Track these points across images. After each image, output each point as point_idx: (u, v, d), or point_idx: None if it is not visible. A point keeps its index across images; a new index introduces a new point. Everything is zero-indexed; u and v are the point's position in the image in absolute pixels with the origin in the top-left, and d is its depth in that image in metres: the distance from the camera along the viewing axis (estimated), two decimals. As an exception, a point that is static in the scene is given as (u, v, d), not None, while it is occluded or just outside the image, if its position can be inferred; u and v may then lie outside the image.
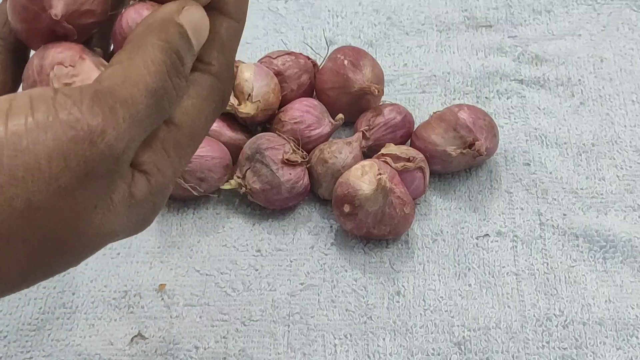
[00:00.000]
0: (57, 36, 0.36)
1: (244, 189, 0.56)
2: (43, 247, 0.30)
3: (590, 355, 0.50)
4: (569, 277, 0.53)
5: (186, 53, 0.34)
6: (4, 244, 0.29)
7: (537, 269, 0.54)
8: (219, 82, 0.36)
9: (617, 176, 0.58)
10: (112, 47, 0.39)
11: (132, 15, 0.36)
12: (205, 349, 0.51)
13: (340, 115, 0.58)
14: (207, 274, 0.55)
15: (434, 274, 0.54)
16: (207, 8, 0.35)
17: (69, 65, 0.35)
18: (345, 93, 0.59)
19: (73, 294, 0.54)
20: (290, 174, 0.55)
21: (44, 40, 0.36)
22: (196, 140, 0.35)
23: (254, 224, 0.57)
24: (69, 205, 0.30)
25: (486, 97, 0.63)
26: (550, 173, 0.58)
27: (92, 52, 0.36)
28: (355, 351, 0.51)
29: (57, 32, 0.36)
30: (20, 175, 0.29)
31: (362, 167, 0.53)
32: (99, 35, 0.38)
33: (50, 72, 0.35)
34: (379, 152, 0.56)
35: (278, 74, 0.59)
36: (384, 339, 0.51)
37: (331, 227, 0.57)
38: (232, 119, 0.58)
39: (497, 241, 0.55)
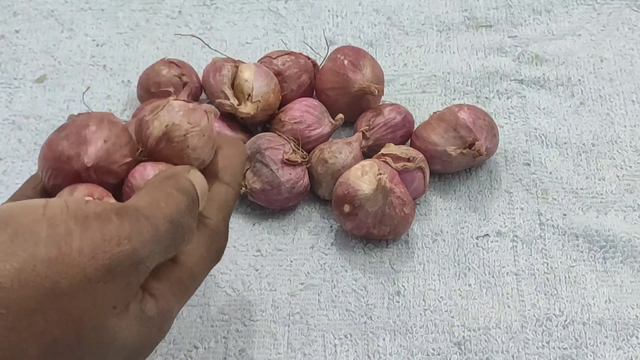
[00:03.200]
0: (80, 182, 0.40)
1: (244, 189, 0.56)
2: (61, 333, 0.32)
3: (590, 355, 0.50)
4: (569, 277, 0.53)
5: (197, 201, 0.38)
6: (26, 320, 0.31)
7: (537, 269, 0.54)
8: (216, 235, 0.40)
9: (617, 176, 0.58)
10: None
11: (139, 169, 0.41)
12: (205, 349, 0.51)
13: (340, 115, 0.58)
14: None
15: (434, 274, 0.54)
16: (210, 176, 0.41)
17: (96, 198, 0.39)
18: (345, 93, 0.59)
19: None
20: (290, 174, 0.55)
21: (67, 182, 0.40)
22: (196, 281, 0.39)
23: (254, 224, 0.57)
24: (91, 297, 0.32)
25: (486, 97, 0.63)
26: (550, 173, 0.58)
27: None
28: (355, 351, 0.51)
29: (82, 179, 0.40)
30: (53, 258, 0.31)
31: (362, 167, 0.53)
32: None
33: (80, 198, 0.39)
34: (379, 152, 0.56)
35: (278, 74, 0.59)
36: (384, 339, 0.51)
37: (331, 227, 0.57)
38: (232, 119, 0.58)
39: (497, 241, 0.55)
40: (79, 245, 0.32)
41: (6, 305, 0.30)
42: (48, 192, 0.41)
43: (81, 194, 0.39)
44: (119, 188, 0.42)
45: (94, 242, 0.32)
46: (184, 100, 0.42)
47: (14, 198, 0.41)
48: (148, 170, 0.41)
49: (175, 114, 0.41)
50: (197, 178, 0.39)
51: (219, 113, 0.44)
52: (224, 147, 0.43)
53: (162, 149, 0.41)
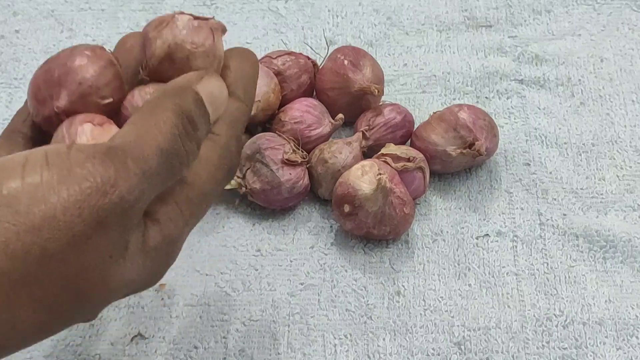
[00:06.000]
0: (55, 124, 0.38)
1: (244, 189, 0.56)
2: (60, 294, 0.31)
3: (590, 355, 0.50)
4: (569, 277, 0.53)
5: (199, 119, 0.36)
6: (20, 288, 0.30)
7: (537, 269, 0.54)
8: (227, 153, 0.38)
9: (617, 176, 0.58)
10: None
11: (128, 97, 0.40)
12: (205, 349, 0.51)
13: (340, 115, 0.58)
14: (207, 274, 0.55)
15: (434, 274, 0.54)
16: None
17: (97, 124, 0.37)
18: (345, 93, 0.59)
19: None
20: (290, 174, 0.55)
21: (46, 122, 0.39)
22: (207, 200, 0.37)
23: (254, 224, 0.57)
24: (83, 254, 0.31)
25: (486, 97, 0.63)
26: (550, 173, 0.58)
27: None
28: (355, 351, 0.51)
29: (54, 123, 0.38)
30: (37, 223, 0.30)
31: (362, 167, 0.53)
32: None
33: (79, 127, 0.37)
34: (379, 152, 0.56)
35: (278, 74, 0.59)
36: (384, 339, 0.51)
37: (331, 227, 0.57)
38: (232, 119, 0.58)
39: (497, 241, 0.55)
40: (63, 204, 0.30)
41: None
42: (37, 124, 0.39)
43: (82, 120, 0.37)
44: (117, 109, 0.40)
45: (79, 197, 0.31)
46: (190, 15, 0.39)
47: (5, 133, 0.40)
48: (136, 98, 0.39)
49: (179, 33, 0.38)
50: (212, 85, 0.36)
51: (226, 29, 0.41)
52: (235, 60, 0.40)
53: (165, 70, 0.39)
